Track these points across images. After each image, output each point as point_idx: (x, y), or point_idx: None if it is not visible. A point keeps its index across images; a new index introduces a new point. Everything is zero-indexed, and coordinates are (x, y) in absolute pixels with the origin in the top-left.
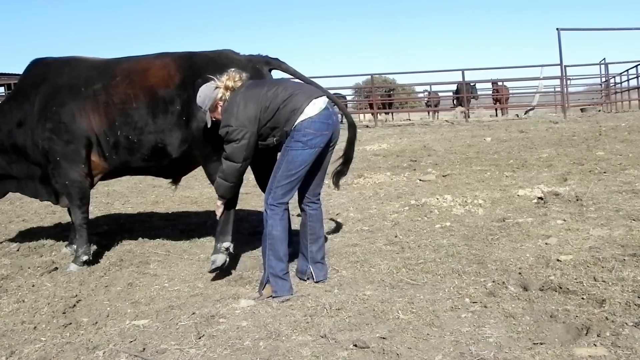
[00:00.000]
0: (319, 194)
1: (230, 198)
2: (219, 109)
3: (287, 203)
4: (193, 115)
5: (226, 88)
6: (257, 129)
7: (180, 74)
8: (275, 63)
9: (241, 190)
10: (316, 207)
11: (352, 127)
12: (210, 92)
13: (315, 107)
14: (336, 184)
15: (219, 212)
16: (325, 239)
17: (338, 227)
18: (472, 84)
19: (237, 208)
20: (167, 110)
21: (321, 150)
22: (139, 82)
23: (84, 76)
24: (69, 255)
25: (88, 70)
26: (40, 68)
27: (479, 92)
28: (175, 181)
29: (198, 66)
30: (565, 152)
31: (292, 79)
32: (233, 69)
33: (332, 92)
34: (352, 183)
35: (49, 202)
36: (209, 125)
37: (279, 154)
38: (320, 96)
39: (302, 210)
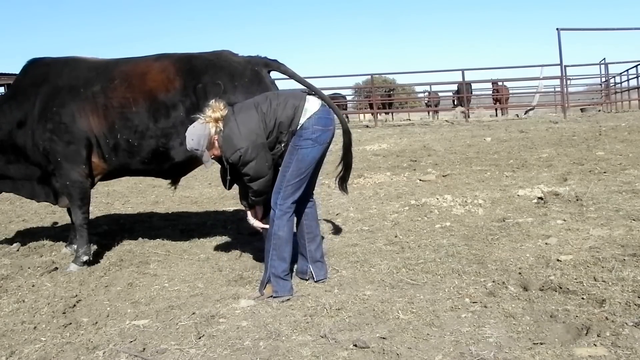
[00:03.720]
0: (313, 192)
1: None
2: (216, 143)
3: (295, 203)
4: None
5: (216, 120)
6: (266, 138)
7: (180, 77)
8: (274, 65)
9: None
10: (311, 205)
11: (346, 134)
12: (202, 131)
13: (314, 103)
14: (344, 190)
15: (259, 215)
16: (322, 237)
17: (338, 227)
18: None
19: (237, 209)
20: (169, 114)
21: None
22: (138, 86)
23: (83, 77)
24: (69, 255)
25: (87, 71)
26: (39, 68)
27: (479, 92)
28: (175, 181)
29: (197, 69)
30: (565, 152)
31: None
32: (212, 100)
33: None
34: (352, 183)
35: (48, 203)
36: (207, 167)
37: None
38: (311, 94)
39: (297, 209)
